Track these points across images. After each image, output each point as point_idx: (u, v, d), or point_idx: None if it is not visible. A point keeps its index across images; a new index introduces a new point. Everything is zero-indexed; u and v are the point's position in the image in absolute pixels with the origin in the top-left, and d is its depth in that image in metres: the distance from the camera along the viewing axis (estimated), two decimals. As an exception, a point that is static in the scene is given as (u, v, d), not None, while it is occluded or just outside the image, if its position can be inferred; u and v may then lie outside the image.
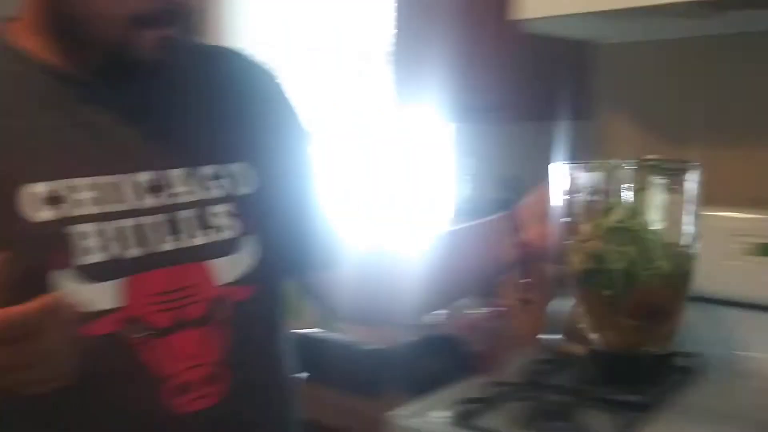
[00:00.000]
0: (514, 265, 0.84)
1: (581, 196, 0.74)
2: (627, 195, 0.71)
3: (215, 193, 0.70)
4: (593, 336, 0.73)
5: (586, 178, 0.77)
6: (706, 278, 0.98)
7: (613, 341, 0.71)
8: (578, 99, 1.39)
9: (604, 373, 0.75)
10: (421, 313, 0.93)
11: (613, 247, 0.69)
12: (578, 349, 0.83)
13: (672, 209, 0.71)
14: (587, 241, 0.71)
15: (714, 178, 1.16)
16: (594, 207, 0.73)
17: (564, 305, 0.90)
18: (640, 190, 0.70)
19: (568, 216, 0.75)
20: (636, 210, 0.70)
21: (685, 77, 1.33)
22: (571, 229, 0.75)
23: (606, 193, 0.73)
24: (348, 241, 0.83)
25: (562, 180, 0.78)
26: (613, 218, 0.70)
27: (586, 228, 0.72)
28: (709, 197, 1.14)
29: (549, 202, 0.80)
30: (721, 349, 1.18)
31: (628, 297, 0.69)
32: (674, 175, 0.72)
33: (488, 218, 0.86)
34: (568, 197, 0.76)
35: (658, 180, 0.71)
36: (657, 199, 0.70)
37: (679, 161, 0.72)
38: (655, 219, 0.70)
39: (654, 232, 0.69)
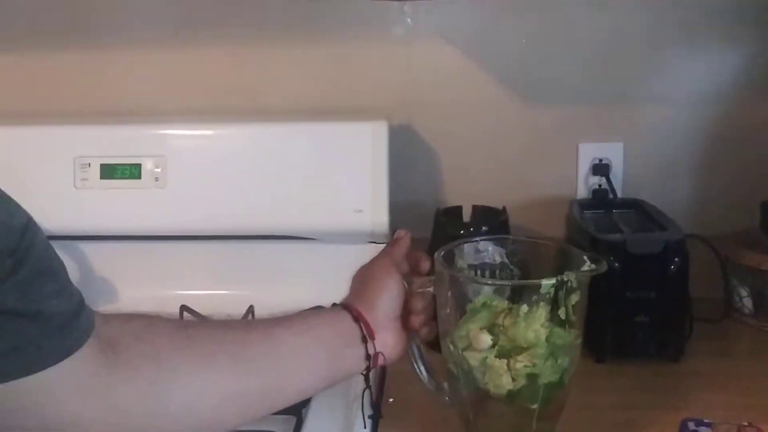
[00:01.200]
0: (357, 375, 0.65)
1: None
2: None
3: None
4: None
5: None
6: (47, 213, 0.87)
7: None
8: None
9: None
10: None
11: (551, 363, 0.61)
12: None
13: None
14: (513, 356, 0.61)
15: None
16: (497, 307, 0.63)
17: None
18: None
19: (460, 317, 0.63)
20: (566, 312, 0.63)
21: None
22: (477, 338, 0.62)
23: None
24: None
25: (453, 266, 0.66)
26: (541, 328, 0.61)
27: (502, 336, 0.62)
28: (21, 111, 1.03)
29: (399, 291, 0.66)
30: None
31: (552, 402, 0.64)
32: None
33: (320, 313, 0.66)
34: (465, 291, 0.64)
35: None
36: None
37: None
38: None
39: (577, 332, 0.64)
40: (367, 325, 0.64)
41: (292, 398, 0.63)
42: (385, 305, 0.66)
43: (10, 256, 0.45)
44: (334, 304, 0.67)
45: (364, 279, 0.69)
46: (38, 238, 0.48)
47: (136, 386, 0.53)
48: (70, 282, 0.51)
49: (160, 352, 0.55)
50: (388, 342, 0.65)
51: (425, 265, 0.69)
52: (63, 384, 0.49)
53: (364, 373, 0.66)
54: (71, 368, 0.49)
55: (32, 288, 0.47)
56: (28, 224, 0.48)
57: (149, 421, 0.53)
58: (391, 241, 0.74)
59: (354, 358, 0.64)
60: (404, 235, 0.73)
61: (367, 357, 0.64)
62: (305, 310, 0.66)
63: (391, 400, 0.79)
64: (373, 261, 0.70)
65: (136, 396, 0.53)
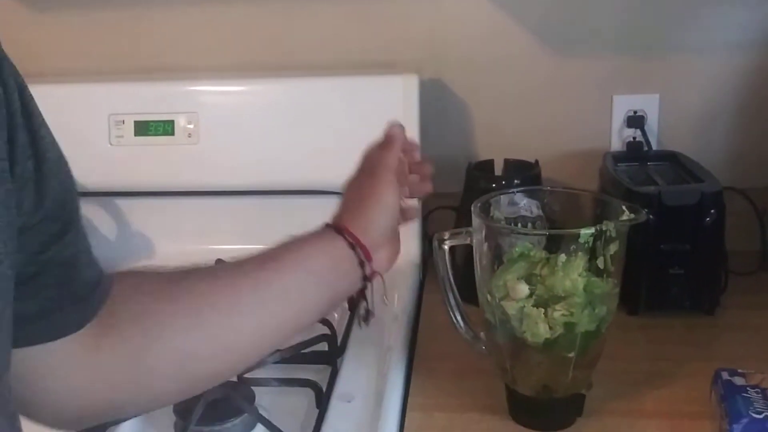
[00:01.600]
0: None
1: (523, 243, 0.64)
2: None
3: None
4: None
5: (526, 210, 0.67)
6: (83, 170, 0.91)
7: (557, 390, 0.67)
8: None
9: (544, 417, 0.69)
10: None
11: (588, 312, 0.61)
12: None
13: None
14: (551, 305, 0.61)
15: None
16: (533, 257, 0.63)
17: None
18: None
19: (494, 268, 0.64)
20: (605, 261, 0.63)
21: None
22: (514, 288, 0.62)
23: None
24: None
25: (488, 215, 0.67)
26: (579, 277, 0.61)
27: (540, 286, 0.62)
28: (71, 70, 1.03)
29: (395, 206, 0.63)
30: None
31: (589, 351, 0.64)
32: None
33: (312, 242, 0.61)
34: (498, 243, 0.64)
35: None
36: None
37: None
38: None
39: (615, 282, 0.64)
40: (365, 249, 0.61)
41: (290, 334, 0.61)
42: (381, 225, 0.63)
43: (57, 221, 0.45)
44: (327, 225, 0.63)
45: (359, 195, 0.64)
46: (79, 204, 0.48)
47: (121, 355, 0.51)
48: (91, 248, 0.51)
49: (145, 316, 0.52)
50: (382, 258, 0.64)
51: (426, 169, 0.67)
52: (67, 353, 0.48)
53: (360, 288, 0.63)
54: (77, 338, 0.48)
55: (72, 253, 0.47)
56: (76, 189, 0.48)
57: (140, 385, 0.52)
58: (383, 140, 0.67)
59: (351, 282, 0.62)
60: (397, 131, 0.67)
61: (364, 278, 0.62)
62: (297, 238, 0.61)
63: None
64: (369, 171, 0.65)
65: (121, 365, 0.51)
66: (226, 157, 1.02)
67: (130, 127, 1.03)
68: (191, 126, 1.02)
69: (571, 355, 0.63)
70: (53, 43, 1.11)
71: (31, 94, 0.45)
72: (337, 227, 0.62)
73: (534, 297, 0.62)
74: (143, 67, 1.10)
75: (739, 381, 0.67)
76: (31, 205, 0.43)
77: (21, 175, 0.42)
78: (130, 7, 1.08)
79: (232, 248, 1.03)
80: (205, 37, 1.09)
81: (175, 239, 1.07)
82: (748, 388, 0.66)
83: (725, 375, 0.68)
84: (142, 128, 1.03)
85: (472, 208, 0.66)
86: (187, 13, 1.08)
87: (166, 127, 1.03)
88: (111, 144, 1.04)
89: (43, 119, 0.45)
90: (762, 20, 1.00)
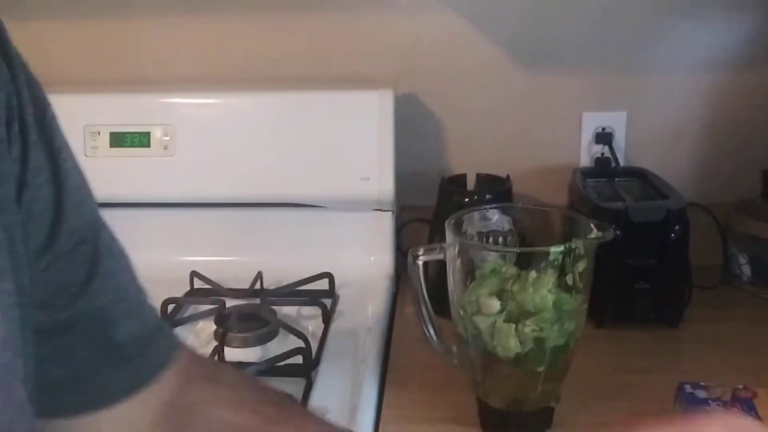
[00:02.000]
0: None
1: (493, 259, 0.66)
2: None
3: None
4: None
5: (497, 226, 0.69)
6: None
7: (527, 403, 0.69)
8: None
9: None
10: None
11: (558, 327, 0.63)
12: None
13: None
14: (521, 321, 0.63)
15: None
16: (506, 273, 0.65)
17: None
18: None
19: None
20: (573, 278, 0.65)
21: None
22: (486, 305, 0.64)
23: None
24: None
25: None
26: (549, 293, 0.63)
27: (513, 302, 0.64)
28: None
29: None
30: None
31: (557, 365, 0.66)
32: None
33: None
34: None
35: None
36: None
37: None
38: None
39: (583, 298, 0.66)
40: None
41: None
42: None
43: (77, 264, 0.39)
44: None
45: None
46: (112, 242, 0.42)
47: None
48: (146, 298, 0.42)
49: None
50: None
51: None
52: (129, 420, 0.41)
53: None
54: (142, 404, 0.41)
55: (103, 304, 0.40)
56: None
57: None
58: None
59: None
60: None
61: None
62: None
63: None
64: None
65: None
66: (201, 169, 1.02)
67: (106, 139, 1.03)
68: (167, 138, 1.03)
69: (541, 369, 0.65)
70: (27, 53, 1.10)
71: (53, 114, 0.38)
72: None
73: (505, 312, 0.64)
74: (119, 78, 1.10)
75: (701, 394, 0.69)
76: (40, 241, 0.36)
77: (30, 203, 0.35)
78: (107, 19, 1.09)
79: (207, 260, 1.05)
80: (182, 49, 1.10)
81: (150, 251, 1.05)
82: (709, 401, 0.68)
83: (688, 388, 0.70)
84: (118, 140, 1.03)
85: (446, 225, 0.68)
86: (163, 26, 1.09)
87: (141, 139, 1.03)
88: (86, 155, 1.03)
89: (65, 142, 0.38)
90: (726, 41, 1.04)
